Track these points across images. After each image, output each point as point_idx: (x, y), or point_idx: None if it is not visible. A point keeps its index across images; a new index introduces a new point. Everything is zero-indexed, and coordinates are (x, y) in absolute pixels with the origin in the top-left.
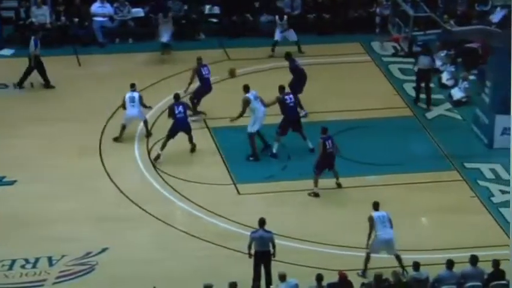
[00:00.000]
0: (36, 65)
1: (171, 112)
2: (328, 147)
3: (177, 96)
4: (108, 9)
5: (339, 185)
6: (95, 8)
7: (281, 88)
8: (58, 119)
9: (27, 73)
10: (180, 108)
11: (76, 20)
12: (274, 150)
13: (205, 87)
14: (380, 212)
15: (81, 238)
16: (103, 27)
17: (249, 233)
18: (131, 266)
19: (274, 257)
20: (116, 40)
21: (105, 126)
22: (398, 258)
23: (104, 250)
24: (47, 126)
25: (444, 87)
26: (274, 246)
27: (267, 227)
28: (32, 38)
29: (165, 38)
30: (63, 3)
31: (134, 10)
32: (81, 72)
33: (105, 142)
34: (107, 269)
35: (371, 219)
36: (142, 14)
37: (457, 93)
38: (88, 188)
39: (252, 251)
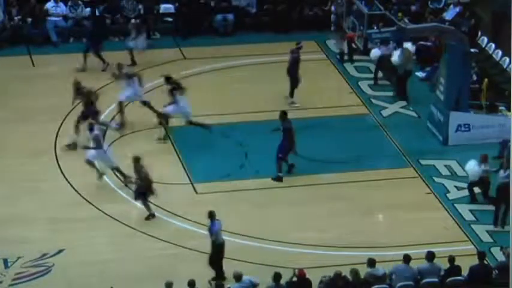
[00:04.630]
0: None
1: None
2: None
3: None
4: (62, 8)
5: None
6: (48, 7)
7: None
8: (12, 119)
9: None
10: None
11: (29, 19)
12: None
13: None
14: None
15: (36, 239)
16: (57, 27)
17: (206, 233)
18: (88, 267)
19: None
20: (70, 40)
21: (60, 126)
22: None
23: (60, 251)
24: (1, 126)
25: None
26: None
27: (224, 226)
28: None
29: None
30: (16, 3)
31: (88, 9)
32: (35, 73)
33: (60, 142)
34: (63, 270)
35: None
36: (96, 13)
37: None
38: (43, 189)
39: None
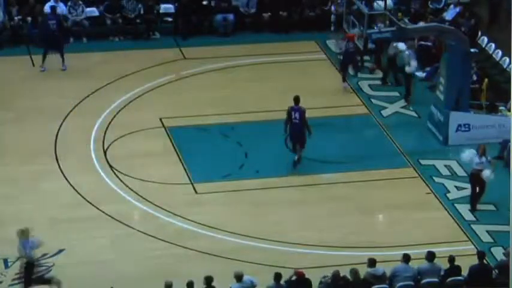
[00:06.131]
0: None
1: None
2: (293, 117)
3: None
4: (62, 8)
5: (294, 163)
6: (48, 7)
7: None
8: (12, 119)
9: None
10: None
11: (29, 19)
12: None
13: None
14: None
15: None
16: None
17: (206, 232)
18: (88, 267)
19: None
20: (70, 40)
21: (60, 126)
22: None
23: (60, 251)
24: (1, 126)
25: None
26: None
27: (224, 226)
28: None
29: None
30: (16, 3)
31: (88, 10)
32: (35, 73)
33: (60, 142)
34: (63, 270)
35: None
36: (96, 14)
37: None
38: (44, 189)
39: None
